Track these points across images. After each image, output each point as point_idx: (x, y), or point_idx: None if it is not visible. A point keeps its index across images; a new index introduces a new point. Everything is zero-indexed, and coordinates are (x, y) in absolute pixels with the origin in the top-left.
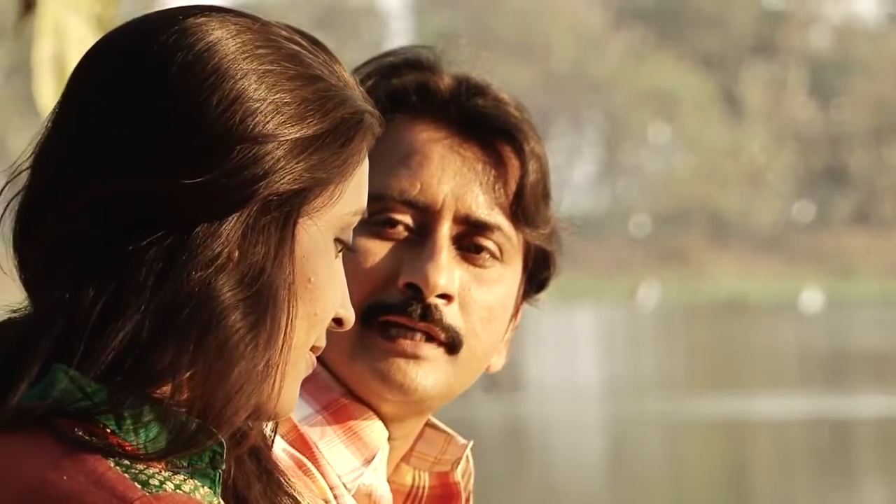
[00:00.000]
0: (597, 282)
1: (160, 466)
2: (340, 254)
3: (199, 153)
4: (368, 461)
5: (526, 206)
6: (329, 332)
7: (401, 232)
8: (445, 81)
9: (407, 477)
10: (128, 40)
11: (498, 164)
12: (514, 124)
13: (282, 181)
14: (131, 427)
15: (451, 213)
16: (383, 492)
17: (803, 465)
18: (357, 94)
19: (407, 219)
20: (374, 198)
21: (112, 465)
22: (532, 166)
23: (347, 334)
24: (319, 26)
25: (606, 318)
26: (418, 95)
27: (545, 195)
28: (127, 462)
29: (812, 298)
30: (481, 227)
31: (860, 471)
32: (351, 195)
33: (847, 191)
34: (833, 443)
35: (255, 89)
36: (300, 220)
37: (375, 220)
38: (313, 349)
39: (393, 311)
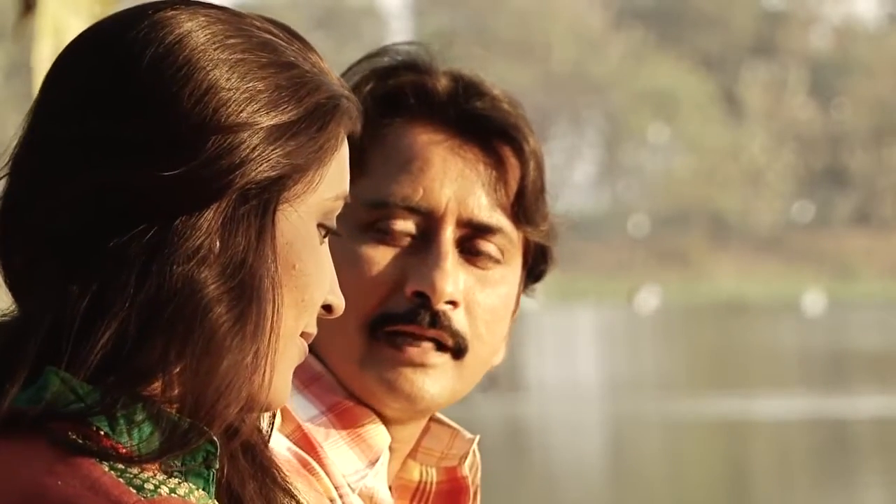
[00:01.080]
0: (597, 282)
1: (154, 469)
2: (326, 240)
3: (175, 145)
4: (373, 463)
5: (527, 206)
6: (337, 342)
7: (404, 238)
8: (442, 83)
9: (414, 473)
10: (100, 37)
11: (498, 164)
12: (513, 124)
13: (258, 169)
14: (125, 428)
15: (454, 218)
16: (384, 496)
17: (803, 465)
18: (333, 80)
19: (409, 225)
20: (376, 204)
21: (107, 469)
22: (531, 165)
23: (355, 345)
24: (319, 26)
25: (606, 319)
26: (416, 98)
27: (542, 191)
28: (121, 466)
29: (815, 301)
30: (484, 230)
31: (860, 471)
32: (331, 180)
33: (847, 191)
34: (833, 443)
35: (228, 79)
36: (280, 208)
37: (378, 228)
38: (304, 336)
39: (401, 321)
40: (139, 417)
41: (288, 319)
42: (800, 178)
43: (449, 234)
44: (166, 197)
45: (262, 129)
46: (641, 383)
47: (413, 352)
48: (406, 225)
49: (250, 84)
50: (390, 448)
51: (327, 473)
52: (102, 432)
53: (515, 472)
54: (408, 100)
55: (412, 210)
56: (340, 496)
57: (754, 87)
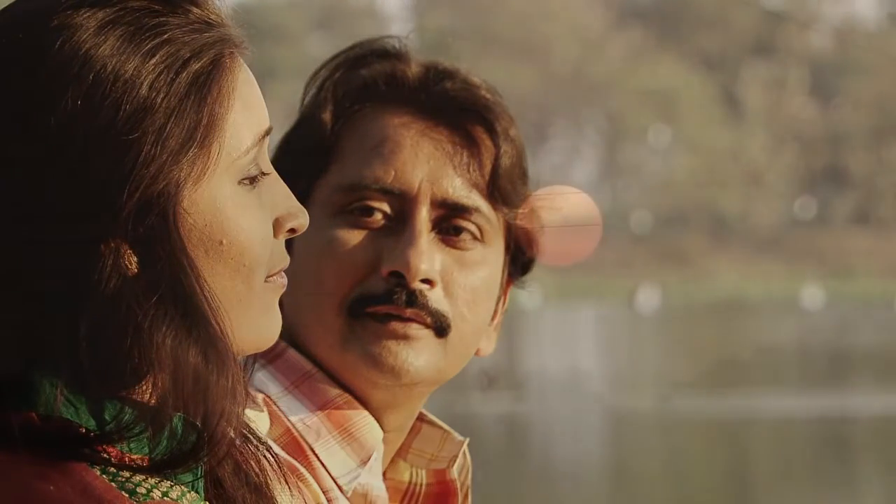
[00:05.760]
0: (597, 282)
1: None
2: (259, 181)
3: (57, 191)
4: (364, 462)
5: (502, 186)
6: (318, 328)
7: (378, 220)
8: (413, 69)
9: (405, 474)
10: None
11: (470, 144)
12: (484, 105)
13: (143, 185)
14: (132, 445)
15: (427, 198)
16: (379, 492)
17: (803, 465)
18: (213, 26)
19: (384, 206)
20: (349, 188)
21: (99, 473)
22: (505, 145)
23: (336, 326)
24: (319, 26)
25: (606, 318)
26: (387, 84)
27: (522, 174)
28: (113, 470)
29: (812, 295)
30: (459, 210)
31: (860, 470)
32: (234, 138)
33: (847, 191)
34: (833, 442)
35: (92, 109)
36: (183, 203)
37: (352, 209)
38: (274, 275)
39: (379, 302)
40: (140, 428)
41: (238, 286)
42: (800, 178)
43: (423, 214)
44: (68, 246)
45: (140, 146)
46: (642, 382)
47: (396, 325)
48: (380, 206)
49: (117, 97)
50: (383, 440)
51: (315, 478)
52: (92, 435)
53: (515, 471)
54: (379, 86)
55: (385, 192)
56: (329, 500)
57: (754, 87)
